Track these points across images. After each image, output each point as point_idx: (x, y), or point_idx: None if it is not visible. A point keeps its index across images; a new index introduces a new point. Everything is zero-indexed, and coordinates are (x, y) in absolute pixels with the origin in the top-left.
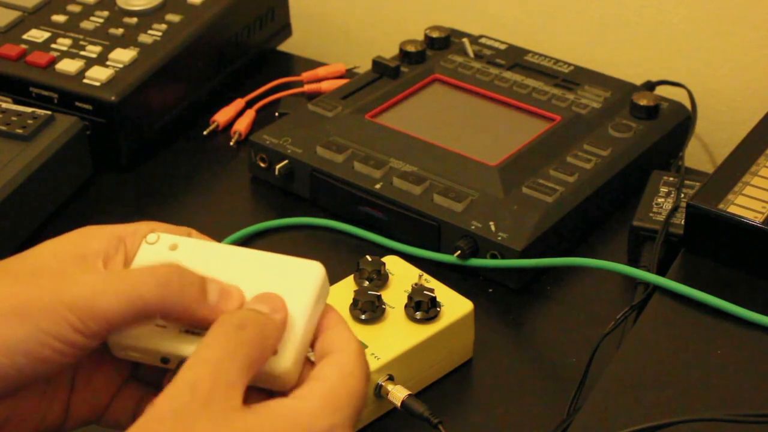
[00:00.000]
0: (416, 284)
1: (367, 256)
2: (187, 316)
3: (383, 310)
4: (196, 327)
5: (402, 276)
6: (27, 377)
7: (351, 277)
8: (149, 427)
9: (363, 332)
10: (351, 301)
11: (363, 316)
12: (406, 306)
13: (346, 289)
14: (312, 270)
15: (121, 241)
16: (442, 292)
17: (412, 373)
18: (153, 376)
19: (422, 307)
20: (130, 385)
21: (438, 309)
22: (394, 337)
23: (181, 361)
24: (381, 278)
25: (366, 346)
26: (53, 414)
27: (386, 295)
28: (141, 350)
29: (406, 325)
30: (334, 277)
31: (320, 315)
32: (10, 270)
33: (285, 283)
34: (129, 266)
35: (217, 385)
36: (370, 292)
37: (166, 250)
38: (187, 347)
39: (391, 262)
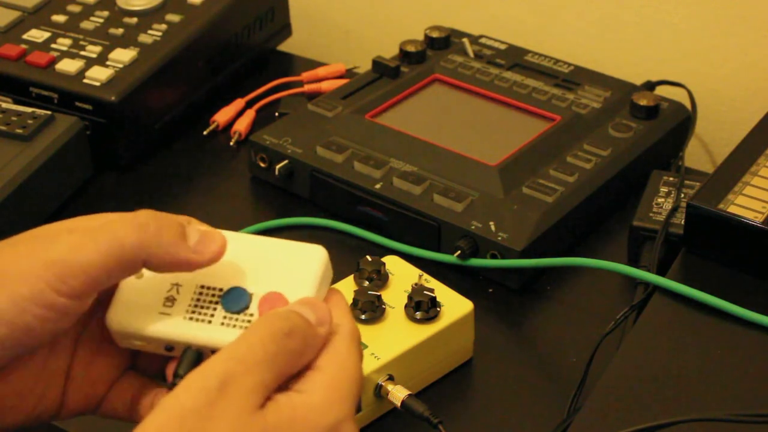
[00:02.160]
0: (416, 284)
1: (367, 256)
2: (168, 260)
3: (383, 310)
4: (179, 270)
5: (402, 276)
6: (12, 349)
7: (351, 277)
8: (170, 414)
9: (363, 332)
10: (351, 301)
11: (363, 316)
12: (406, 306)
13: (346, 289)
14: (315, 254)
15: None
16: (442, 292)
17: (412, 373)
18: (151, 368)
19: (422, 307)
20: (127, 376)
21: (438, 309)
22: (394, 337)
23: (187, 348)
24: (381, 278)
25: (366, 346)
26: (48, 402)
27: (386, 295)
28: (144, 338)
29: (406, 325)
30: (334, 277)
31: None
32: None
33: (289, 268)
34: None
35: (247, 387)
36: (370, 292)
37: None
38: (193, 334)
39: (391, 262)
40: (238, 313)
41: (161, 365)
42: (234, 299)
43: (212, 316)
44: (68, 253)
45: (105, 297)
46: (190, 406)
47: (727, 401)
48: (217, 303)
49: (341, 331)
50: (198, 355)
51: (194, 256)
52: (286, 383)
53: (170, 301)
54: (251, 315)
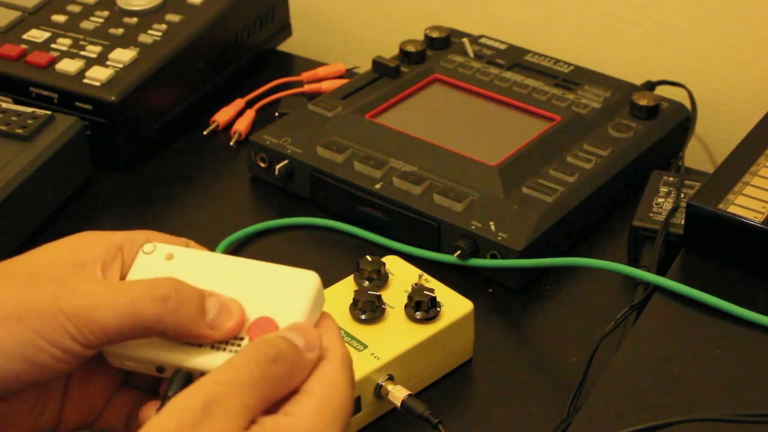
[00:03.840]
0: (416, 284)
1: (367, 256)
2: (184, 333)
3: (383, 310)
4: (194, 342)
5: (402, 276)
6: (23, 382)
7: (351, 277)
8: None
9: (363, 332)
10: (351, 301)
11: (363, 316)
12: (406, 306)
13: (346, 289)
14: (307, 279)
15: (119, 249)
16: (442, 292)
17: (412, 373)
18: (146, 383)
19: (422, 307)
20: (123, 392)
21: (438, 309)
22: (394, 337)
23: (177, 370)
24: (381, 278)
25: (366, 346)
26: (46, 419)
27: (386, 295)
28: (136, 359)
29: (406, 325)
30: (334, 277)
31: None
32: (6, 272)
33: (280, 292)
34: (125, 275)
35: (232, 409)
36: (370, 292)
37: (162, 260)
38: (183, 357)
39: (391, 262)
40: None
41: (156, 380)
42: None
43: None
44: (89, 309)
45: None
46: (174, 426)
47: (727, 401)
48: None
49: (331, 356)
50: (188, 377)
51: (210, 332)
52: (274, 407)
53: None
54: (241, 339)
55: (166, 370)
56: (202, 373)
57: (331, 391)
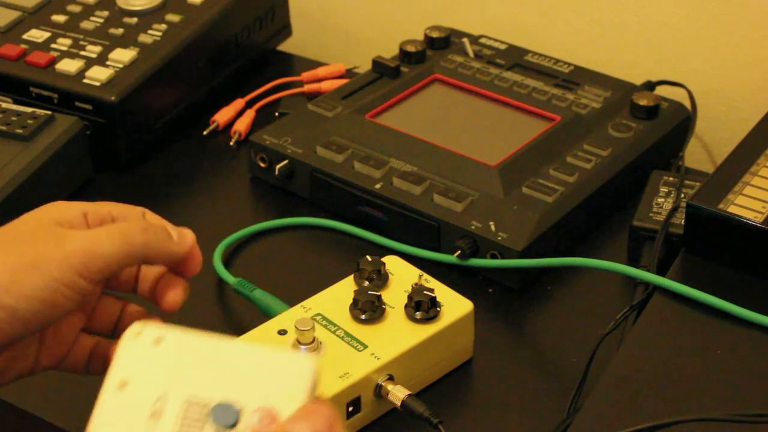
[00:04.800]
0: (416, 284)
1: (367, 256)
2: (162, 253)
3: (383, 310)
4: (168, 262)
5: (402, 276)
6: (39, 322)
7: (351, 277)
8: None
9: (363, 332)
10: (351, 301)
11: (363, 316)
12: (406, 306)
13: (346, 289)
14: (305, 363)
15: (84, 216)
16: (442, 292)
17: (412, 373)
18: (103, 327)
19: (422, 307)
20: (84, 336)
21: (438, 309)
22: (394, 337)
23: None
24: (381, 278)
25: (366, 346)
26: (27, 362)
27: (386, 295)
28: None
29: (406, 325)
30: (334, 277)
31: None
32: (6, 235)
33: (279, 378)
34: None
35: None
36: (370, 292)
37: (151, 345)
38: None
39: (391, 262)
40: (228, 428)
41: (113, 324)
42: (223, 414)
43: (201, 430)
44: (90, 245)
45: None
46: None
47: (727, 401)
48: (205, 418)
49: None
50: None
51: (179, 247)
52: None
53: (156, 416)
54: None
55: None
56: None
57: None
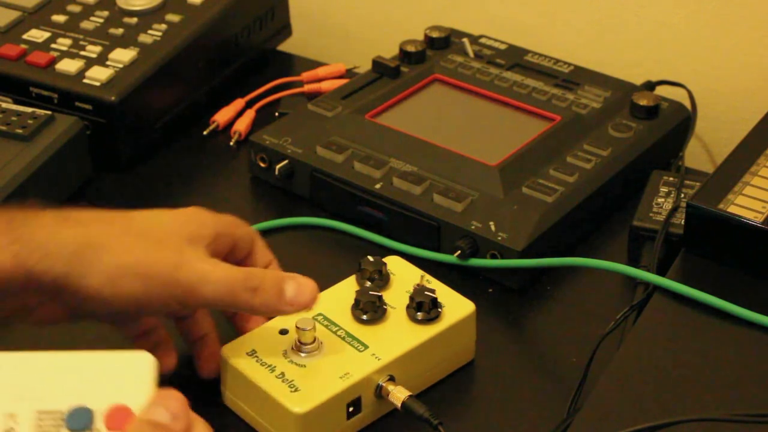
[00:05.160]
0: (418, 285)
1: (369, 257)
2: (269, 311)
3: (384, 311)
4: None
5: (404, 276)
6: (113, 313)
7: (353, 278)
8: None
9: (364, 333)
10: (352, 301)
11: (364, 317)
12: (407, 307)
13: (347, 289)
14: (143, 359)
15: (218, 237)
16: (444, 293)
17: (414, 373)
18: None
19: (423, 307)
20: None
21: (439, 310)
22: (395, 337)
23: None
24: (382, 278)
25: (367, 347)
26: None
27: (388, 296)
28: None
29: (407, 325)
30: (334, 278)
31: None
32: (136, 228)
33: (122, 377)
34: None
35: None
36: (371, 293)
37: None
38: None
39: (393, 263)
40: (84, 430)
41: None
42: (78, 419)
43: None
44: (197, 285)
45: None
46: None
47: (727, 401)
48: (60, 426)
49: (197, 425)
50: None
51: (289, 308)
52: None
53: None
54: (98, 430)
55: None
56: None
57: None
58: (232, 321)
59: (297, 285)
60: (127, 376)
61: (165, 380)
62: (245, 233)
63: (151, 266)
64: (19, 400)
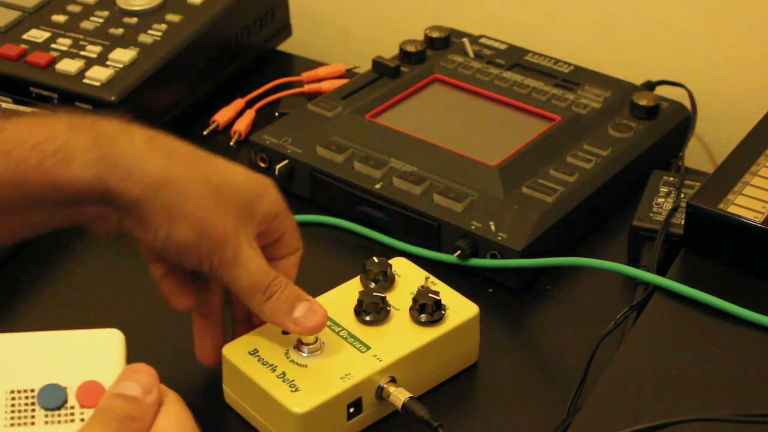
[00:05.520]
0: (422, 287)
1: (374, 258)
2: (275, 323)
3: (388, 312)
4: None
5: (408, 278)
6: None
7: (357, 278)
8: None
9: (367, 333)
10: (356, 302)
11: (367, 318)
12: (410, 308)
13: (352, 290)
14: (112, 336)
15: (273, 223)
16: (448, 295)
17: (416, 375)
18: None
19: (427, 309)
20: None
21: (443, 312)
22: (398, 339)
23: None
24: (387, 280)
25: (369, 348)
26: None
27: (392, 297)
28: None
29: (410, 327)
30: (335, 278)
31: None
32: (214, 180)
33: (92, 354)
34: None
35: None
36: (374, 294)
37: None
38: None
39: (398, 264)
40: (58, 409)
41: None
42: (50, 396)
43: (33, 417)
44: (235, 263)
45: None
46: None
47: (727, 401)
48: (33, 404)
49: (169, 397)
50: None
51: (294, 326)
52: None
53: None
54: (72, 408)
55: None
56: None
57: (182, 429)
58: (231, 306)
59: (308, 308)
60: (97, 353)
61: (170, 381)
62: (289, 221)
63: (210, 228)
64: None
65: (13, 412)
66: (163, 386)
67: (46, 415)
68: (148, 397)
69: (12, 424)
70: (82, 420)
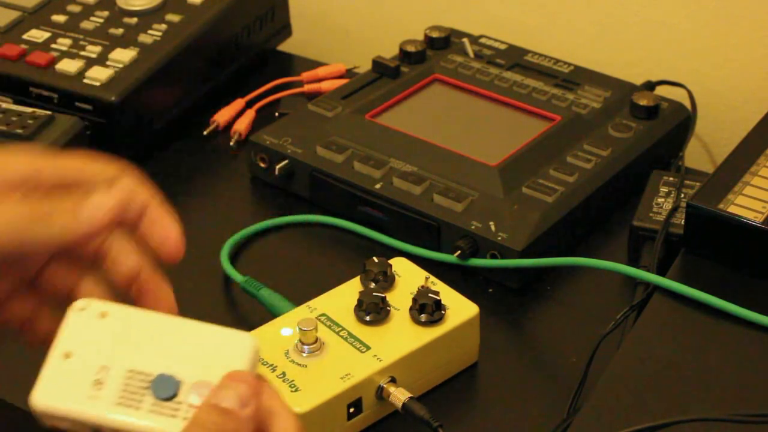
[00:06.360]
0: (422, 287)
1: (374, 258)
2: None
3: (388, 312)
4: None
5: (409, 278)
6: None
7: (358, 278)
8: None
9: (366, 333)
10: (356, 302)
11: (367, 318)
12: (410, 308)
13: (352, 290)
14: (246, 341)
15: (37, 174)
16: (448, 295)
17: (416, 375)
18: (57, 287)
19: (426, 309)
20: (28, 293)
21: (443, 312)
22: (398, 339)
23: None
24: (387, 280)
25: (369, 348)
26: None
27: (392, 297)
28: (71, 420)
29: (410, 327)
30: (335, 277)
31: None
32: None
33: (220, 354)
34: None
35: None
36: (374, 294)
37: (96, 319)
38: (120, 419)
39: (399, 264)
40: (167, 400)
41: (67, 285)
42: (163, 386)
43: (141, 402)
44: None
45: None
46: None
47: (727, 401)
48: (146, 389)
49: (280, 417)
50: None
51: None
52: None
53: (99, 384)
54: (179, 403)
55: None
56: None
57: None
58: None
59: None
60: (224, 354)
61: None
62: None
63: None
64: (117, 354)
65: (125, 390)
66: (274, 401)
67: (153, 404)
68: (244, 411)
69: (119, 403)
70: (185, 419)
